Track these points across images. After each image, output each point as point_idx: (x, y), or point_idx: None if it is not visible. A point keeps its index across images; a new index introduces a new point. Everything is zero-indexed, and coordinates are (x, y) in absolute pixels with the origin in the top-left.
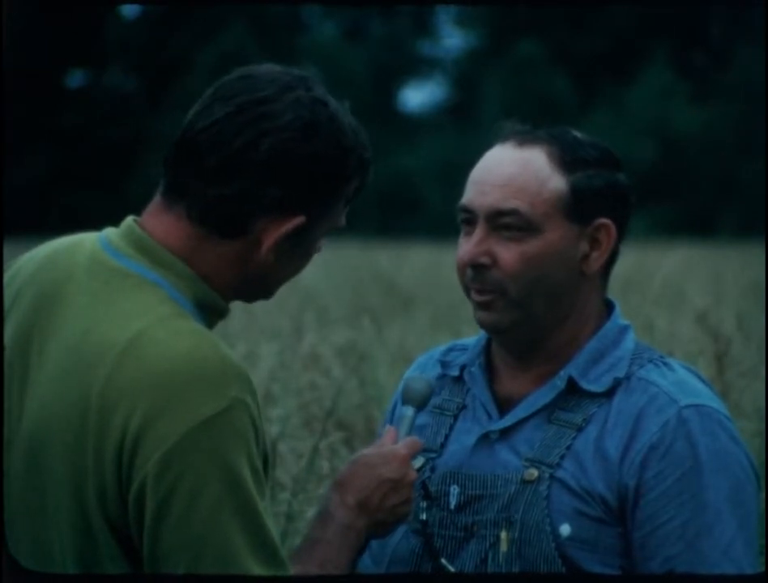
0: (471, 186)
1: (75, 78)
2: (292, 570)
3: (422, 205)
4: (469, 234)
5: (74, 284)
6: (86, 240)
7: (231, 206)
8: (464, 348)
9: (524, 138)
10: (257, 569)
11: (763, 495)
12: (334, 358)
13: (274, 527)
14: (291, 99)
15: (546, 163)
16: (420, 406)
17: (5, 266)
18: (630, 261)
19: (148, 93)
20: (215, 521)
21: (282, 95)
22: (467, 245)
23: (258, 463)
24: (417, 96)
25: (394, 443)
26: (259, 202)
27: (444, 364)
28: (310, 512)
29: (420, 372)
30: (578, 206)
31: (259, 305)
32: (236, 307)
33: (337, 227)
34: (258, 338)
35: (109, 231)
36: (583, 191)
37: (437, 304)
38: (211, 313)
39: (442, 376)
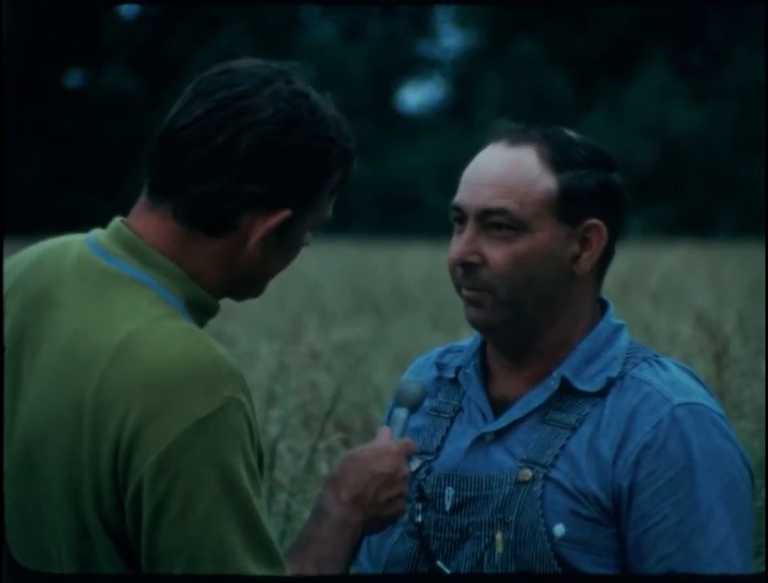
0: (463, 186)
1: (74, 78)
2: (289, 568)
3: (421, 204)
4: (460, 233)
5: (63, 286)
6: (74, 242)
7: (215, 204)
8: (460, 350)
9: (516, 138)
10: (254, 568)
11: (762, 494)
12: (333, 358)
13: (270, 525)
14: (270, 92)
15: (536, 163)
16: (413, 409)
17: None
18: (629, 260)
19: (147, 93)
20: (211, 521)
21: (262, 89)
22: (457, 244)
23: (254, 462)
24: (416, 96)
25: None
26: (244, 199)
27: (440, 367)
28: (308, 513)
29: (416, 374)
30: (568, 206)
31: (259, 305)
32: (237, 306)
33: (323, 219)
34: (258, 338)
35: (97, 233)
36: (573, 191)
37: (436, 303)
38: (201, 312)
39: (438, 379)
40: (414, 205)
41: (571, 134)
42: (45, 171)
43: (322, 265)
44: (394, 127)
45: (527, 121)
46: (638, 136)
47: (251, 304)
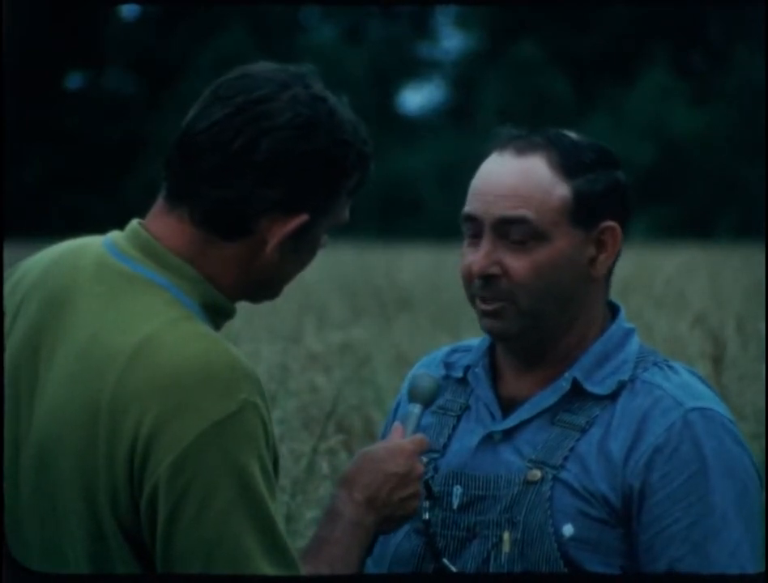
0: (475, 196)
1: (75, 79)
2: (303, 570)
3: (422, 207)
4: (474, 244)
5: (80, 288)
6: (91, 244)
7: (233, 208)
8: (467, 350)
9: (523, 146)
10: (269, 570)
11: (764, 497)
12: (333, 359)
13: (284, 528)
14: (289, 96)
15: (548, 171)
16: (427, 404)
17: (5, 269)
18: (630, 263)
19: (148, 94)
20: (227, 523)
21: (280, 94)
22: (474, 256)
23: (269, 464)
24: (416, 98)
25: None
26: (261, 203)
27: (447, 366)
28: (309, 514)
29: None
30: (583, 212)
31: (260, 306)
32: (238, 308)
33: (340, 222)
34: (259, 339)
35: (114, 235)
36: (586, 196)
37: (436, 305)
38: (217, 315)
39: (446, 378)
40: (414, 206)
41: (573, 136)
42: (45, 171)
43: (322, 267)
44: (395, 129)
45: (528, 123)
46: (639, 138)
47: (252, 304)
